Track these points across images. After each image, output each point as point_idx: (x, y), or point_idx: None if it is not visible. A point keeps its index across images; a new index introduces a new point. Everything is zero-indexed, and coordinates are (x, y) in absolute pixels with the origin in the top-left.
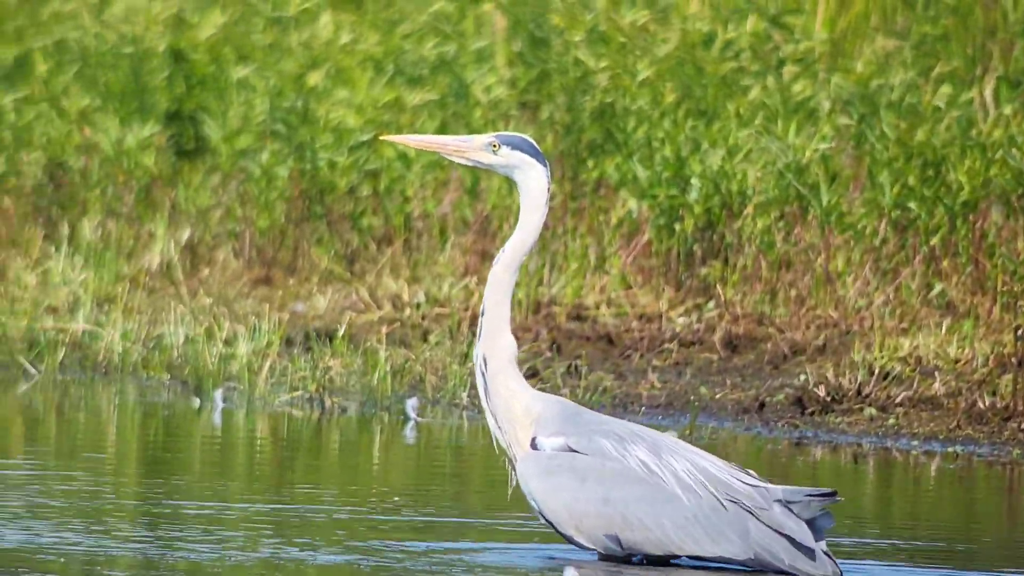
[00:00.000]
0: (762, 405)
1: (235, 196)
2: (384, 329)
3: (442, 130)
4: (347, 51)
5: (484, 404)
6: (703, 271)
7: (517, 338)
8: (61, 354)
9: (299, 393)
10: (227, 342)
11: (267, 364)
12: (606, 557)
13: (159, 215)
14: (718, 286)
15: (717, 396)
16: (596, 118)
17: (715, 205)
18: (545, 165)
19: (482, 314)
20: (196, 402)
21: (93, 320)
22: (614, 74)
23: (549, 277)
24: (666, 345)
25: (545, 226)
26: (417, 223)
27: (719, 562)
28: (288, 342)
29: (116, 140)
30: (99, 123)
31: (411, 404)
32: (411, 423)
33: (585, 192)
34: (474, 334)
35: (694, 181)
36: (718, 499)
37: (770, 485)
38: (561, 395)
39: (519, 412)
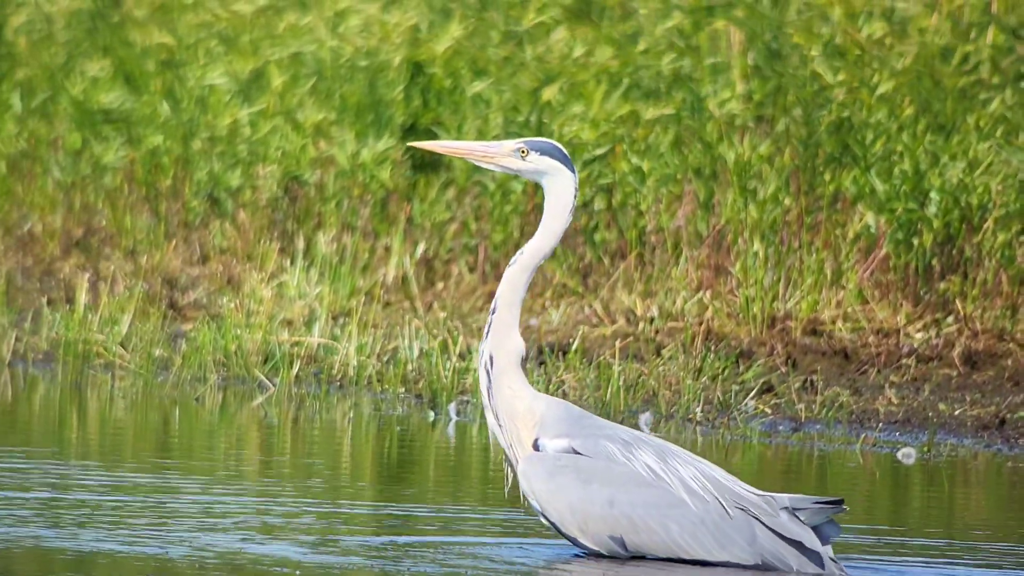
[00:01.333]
0: (1002, 422)
1: (470, 210)
2: (617, 343)
3: (676, 145)
4: (582, 65)
5: (486, 402)
6: (942, 286)
7: (752, 353)
8: (296, 368)
9: None
10: (461, 356)
11: None
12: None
13: (394, 229)
14: (957, 301)
15: (956, 413)
16: (833, 132)
17: (954, 219)
18: (574, 172)
19: (493, 312)
20: (431, 415)
21: (328, 334)
22: (851, 88)
23: (784, 292)
24: (903, 361)
25: (780, 240)
26: (651, 237)
27: (725, 567)
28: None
29: (352, 154)
30: (335, 137)
31: (644, 419)
32: None
33: (821, 206)
34: (708, 348)
35: (933, 195)
36: (724, 505)
37: (776, 494)
38: (796, 410)
39: (522, 411)
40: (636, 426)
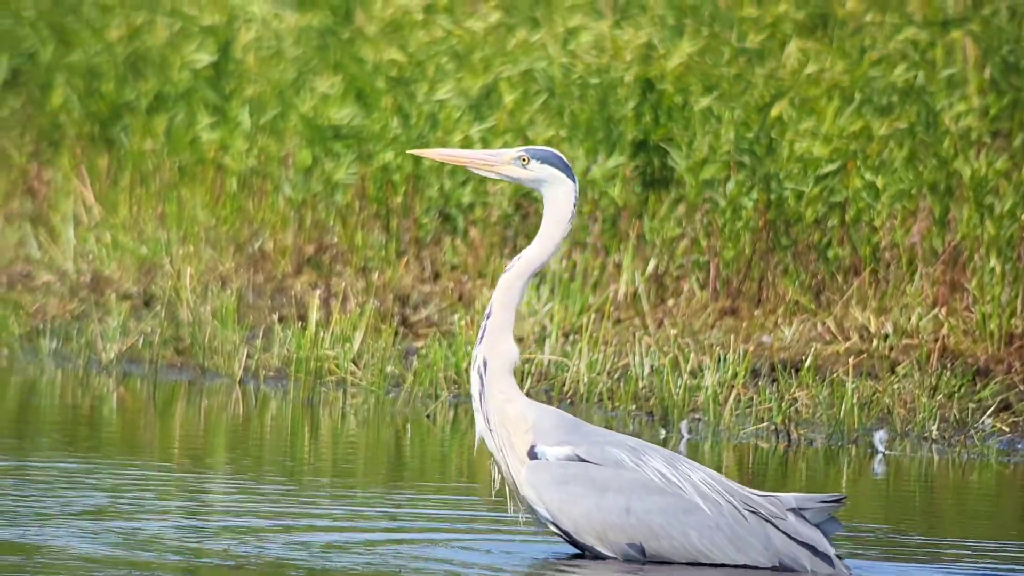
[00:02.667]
0: None
1: (701, 227)
2: (851, 360)
3: (911, 160)
4: (813, 80)
5: (476, 405)
6: None
7: (989, 370)
8: (527, 385)
9: (764, 425)
10: (693, 373)
11: (732, 395)
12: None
13: (625, 245)
14: None
15: None
16: None
17: None
18: (575, 182)
19: (487, 317)
20: (662, 433)
21: (559, 351)
22: None
23: (1022, 308)
24: None
25: (1017, 256)
26: (884, 253)
27: (742, 569)
28: (754, 373)
29: (582, 170)
30: (565, 153)
31: (879, 437)
32: (879, 456)
33: None
34: (943, 365)
35: None
36: (737, 508)
37: (781, 494)
38: None
39: (514, 417)
40: (870, 444)
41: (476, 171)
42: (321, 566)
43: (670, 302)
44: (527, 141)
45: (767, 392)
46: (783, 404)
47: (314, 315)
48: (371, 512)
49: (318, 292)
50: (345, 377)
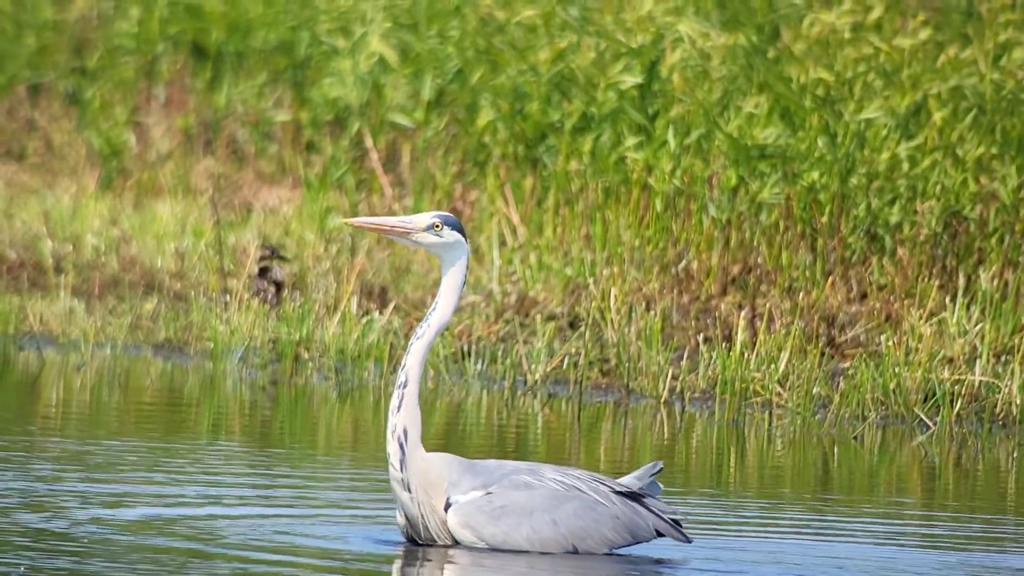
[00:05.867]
0: None
1: None
2: None
3: None
4: None
5: (398, 475)
6: None
7: None
8: (957, 406)
9: None
10: None
11: None
12: None
13: None
14: None
15: None
16: None
17: None
18: (468, 242)
19: (403, 386)
20: None
21: (990, 371)
22: None
23: None
24: None
25: None
26: None
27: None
28: None
29: (1013, 188)
30: (996, 171)
31: None
32: None
33: None
34: None
35: None
36: (624, 496)
37: (624, 478)
38: None
39: (434, 478)
40: None
41: (395, 239)
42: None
43: None
44: (957, 160)
45: None
46: None
47: (740, 336)
48: (802, 528)
49: (743, 312)
50: (771, 398)
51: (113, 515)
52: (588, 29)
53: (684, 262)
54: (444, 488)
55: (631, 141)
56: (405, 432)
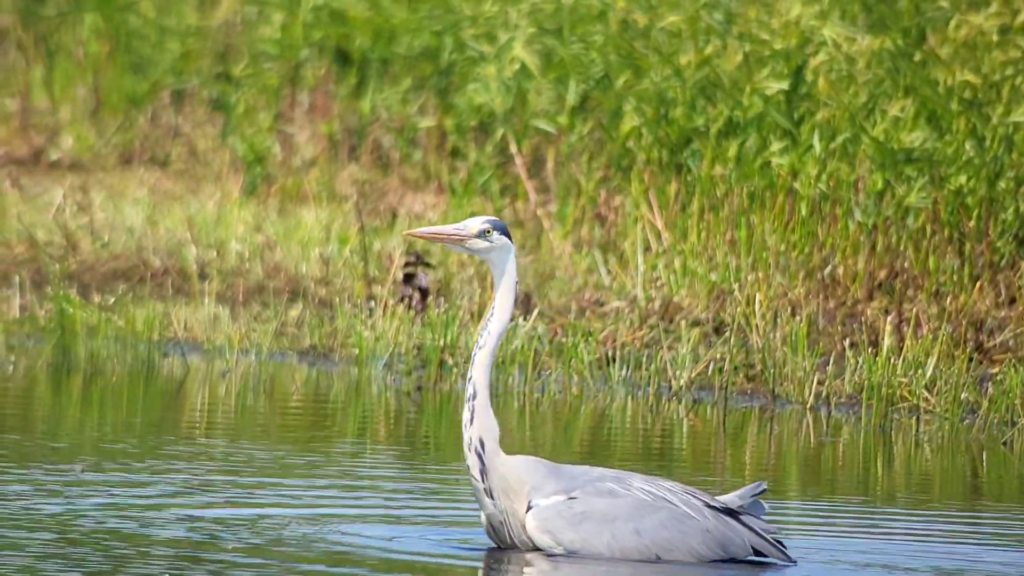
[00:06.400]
0: None
1: None
2: None
3: None
4: None
5: (479, 484)
6: None
7: None
8: None
9: None
10: None
11: None
12: None
13: None
14: None
15: None
16: None
17: None
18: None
19: (472, 398)
20: None
21: None
22: None
23: None
24: None
25: None
26: None
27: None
28: None
29: None
30: None
31: None
32: None
33: None
34: None
35: None
36: (718, 511)
37: (725, 495)
38: None
39: (514, 483)
40: None
41: (449, 247)
42: None
43: None
44: None
45: None
46: None
47: (886, 341)
48: (950, 532)
49: (890, 318)
50: (918, 404)
51: (259, 524)
52: (733, 33)
53: (830, 267)
54: (526, 492)
55: (776, 146)
56: (482, 443)
